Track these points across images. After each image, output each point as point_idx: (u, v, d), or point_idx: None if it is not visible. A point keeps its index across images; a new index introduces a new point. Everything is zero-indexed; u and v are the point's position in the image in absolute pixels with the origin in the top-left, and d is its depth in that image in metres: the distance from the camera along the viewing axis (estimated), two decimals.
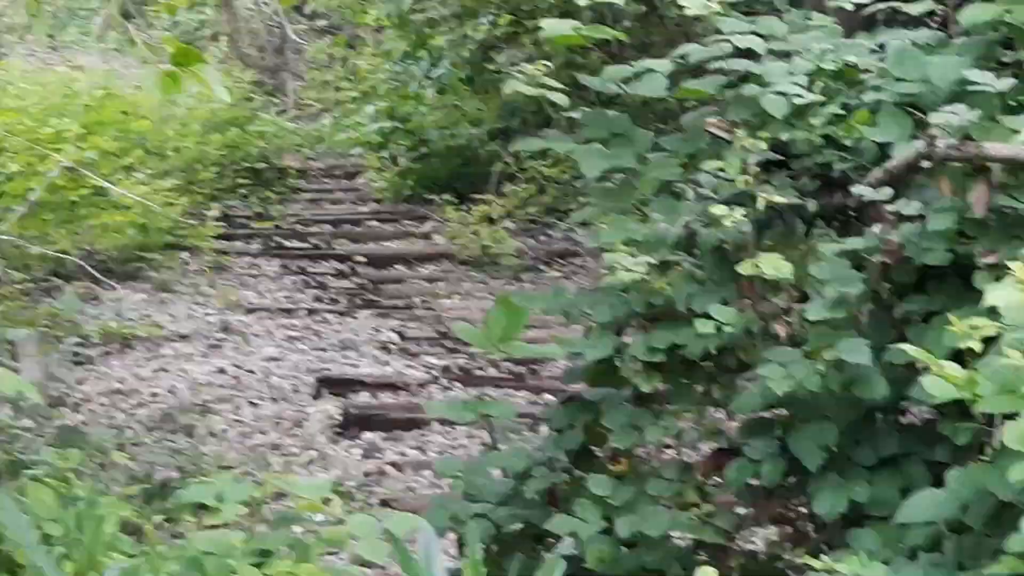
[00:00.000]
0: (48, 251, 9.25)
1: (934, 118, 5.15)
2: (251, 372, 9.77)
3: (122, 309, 10.15)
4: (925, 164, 5.16)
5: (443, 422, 8.75)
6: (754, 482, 5.63)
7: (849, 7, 6.20)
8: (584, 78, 6.19)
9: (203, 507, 5.35)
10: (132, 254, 10.89)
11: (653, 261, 5.41)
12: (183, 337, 9.85)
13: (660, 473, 5.61)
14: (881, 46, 6.04)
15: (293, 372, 9.91)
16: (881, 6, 6.15)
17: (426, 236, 12.51)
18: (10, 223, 9.36)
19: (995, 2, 5.41)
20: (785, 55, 5.96)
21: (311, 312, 10.90)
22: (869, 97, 5.55)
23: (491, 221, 11.84)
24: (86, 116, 11.88)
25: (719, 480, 5.70)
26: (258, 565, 4.88)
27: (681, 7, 5.47)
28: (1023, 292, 4.22)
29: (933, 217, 5.10)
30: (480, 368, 10.03)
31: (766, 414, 5.60)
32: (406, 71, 13.70)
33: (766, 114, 5.53)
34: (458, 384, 9.56)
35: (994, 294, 3.91)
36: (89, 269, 9.33)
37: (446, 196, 12.42)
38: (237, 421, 8.70)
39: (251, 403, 9.15)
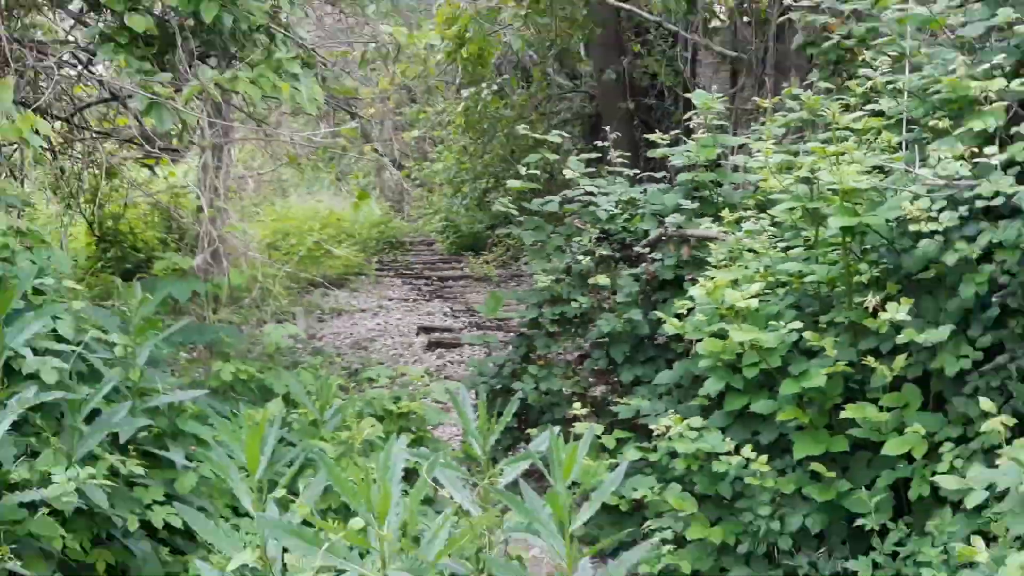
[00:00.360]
0: (308, 275, 13.99)
1: (668, 220, 8.78)
2: (390, 325, 14.77)
3: (337, 300, 15.76)
4: (663, 238, 8.88)
5: (470, 345, 13.27)
6: (596, 368, 9.53)
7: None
8: (525, 205, 9.90)
9: (371, 380, 9.07)
10: (341, 278, 16.96)
11: (553, 278, 9.36)
12: (362, 311, 15.35)
13: (557, 364, 9.66)
14: (645, 190, 9.87)
15: (408, 325, 14.69)
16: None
17: (460, 268, 18.90)
18: (292, 263, 15.55)
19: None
20: (605, 193, 9.75)
21: (415, 300, 16.54)
22: (640, 210, 9.41)
23: (487, 262, 18.26)
24: (321, 221, 19.18)
25: (581, 367, 9.70)
26: (395, 401, 8.05)
27: (564, 174, 9.60)
28: (705, 291, 6.90)
29: (666, 260, 8.77)
30: (486, 323, 14.24)
31: (600, 340, 9.18)
32: (449, 203, 20.97)
33: (597, 217, 9.45)
34: (475, 329, 14.60)
35: (693, 291, 7.12)
36: (323, 283, 14.19)
37: (468, 253, 19.44)
38: (385, 345, 13.35)
39: (391, 337, 13.93)
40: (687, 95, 9.99)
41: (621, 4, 15.86)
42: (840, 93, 8.30)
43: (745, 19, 16.48)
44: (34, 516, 4.66)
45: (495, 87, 18.23)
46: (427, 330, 14.38)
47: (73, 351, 5.30)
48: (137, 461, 5.35)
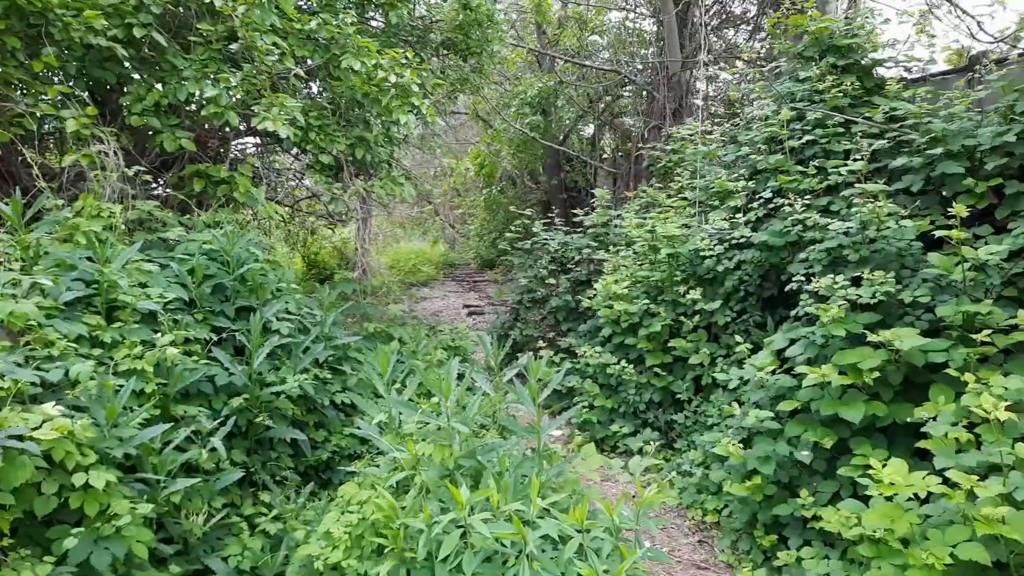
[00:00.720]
0: (410, 280, 14.44)
1: (583, 251, 8.45)
2: (449, 304, 13.72)
3: (421, 293, 14.73)
4: (581, 260, 8.48)
5: (488, 312, 12.37)
6: (549, 324, 8.82)
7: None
8: (515, 246, 9.72)
9: (440, 330, 8.72)
10: (426, 282, 15.96)
11: (527, 280, 9.06)
12: (436, 298, 14.35)
13: (530, 322, 9.06)
14: (571, 237, 9.13)
15: (457, 304, 13.63)
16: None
17: (484, 276, 17.42)
18: (402, 274, 15.51)
19: None
20: (552, 239, 9.03)
21: (460, 292, 15.38)
22: (570, 246, 8.83)
23: (497, 274, 17.15)
24: (416, 254, 17.93)
25: (542, 323, 9.02)
26: (452, 341, 7.94)
27: (533, 230, 9.70)
28: (602, 285, 6.61)
29: (582, 271, 8.40)
30: (497, 303, 13.29)
31: (552, 310, 8.68)
32: (477, 244, 19.63)
33: (549, 250, 8.89)
34: (490, 305, 13.28)
35: (596, 286, 7.11)
36: (417, 284, 14.54)
37: (487, 269, 18.09)
38: (447, 314, 12.40)
39: (450, 310, 13.01)
40: (593, 191, 9.83)
41: (560, 148, 15.93)
42: (666, 189, 8.16)
43: (620, 154, 16.59)
44: (278, 398, 4.63)
45: (498, 188, 18.19)
46: (467, 306, 13.99)
47: (297, 318, 5.27)
48: (328, 372, 5.30)
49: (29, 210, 4.12)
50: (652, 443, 5.80)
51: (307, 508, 3.97)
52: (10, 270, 3.51)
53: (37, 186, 4.65)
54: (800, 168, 5.12)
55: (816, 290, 4.18)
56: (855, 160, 4.72)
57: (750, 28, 17.51)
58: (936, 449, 3.12)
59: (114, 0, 5.36)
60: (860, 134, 5.02)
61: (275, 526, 3.82)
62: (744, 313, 5.55)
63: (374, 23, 8.67)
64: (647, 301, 6.18)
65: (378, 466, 3.91)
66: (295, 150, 7.36)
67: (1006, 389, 3.12)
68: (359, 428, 3.83)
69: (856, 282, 4.14)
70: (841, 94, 5.46)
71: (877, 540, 2.96)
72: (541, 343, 7.88)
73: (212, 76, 5.56)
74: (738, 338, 5.08)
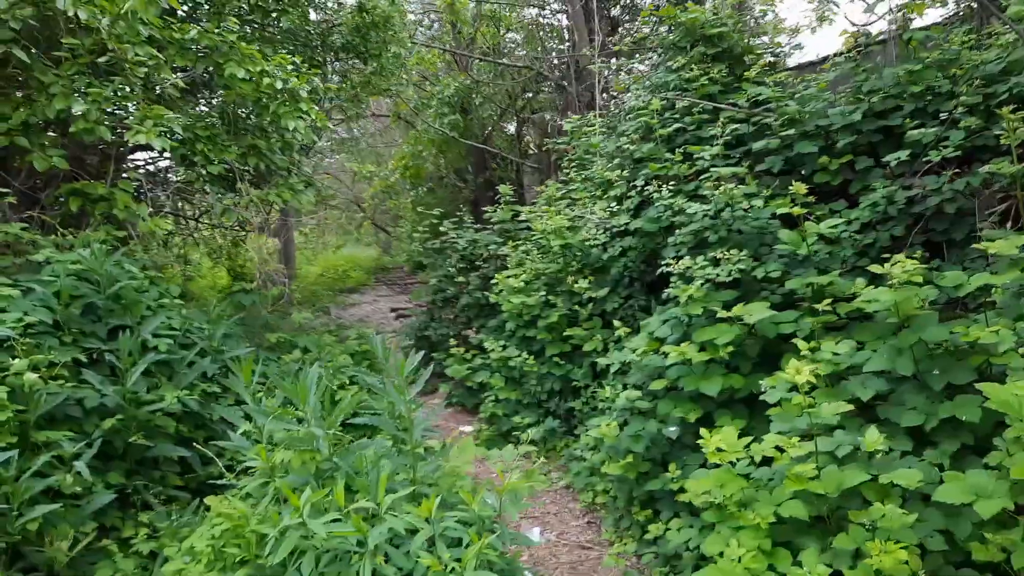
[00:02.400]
0: (337, 287, 13.93)
1: (491, 247, 8.45)
2: (379, 308, 13.43)
3: (351, 299, 14.32)
4: (489, 256, 8.44)
5: (416, 315, 11.54)
6: (461, 321, 8.70)
7: None
8: (426, 246, 9.98)
9: (356, 336, 8.30)
10: (357, 287, 15.49)
11: (437, 279, 8.95)
12: (363, 303, 13.80)
13: (444, 321, 8.95)
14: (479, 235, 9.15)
15: (384, 308, 13.58)
16: None
17: (415, 279, 16.14)
18: (329, 281, 15.35)
19: None
20: (463, 237, 8.93)
21: (392, 296, 15.09)
22: (480, 244, 8.76)
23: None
24: (347, 260, 17.57)
25: (454, 321, 8.85)
26: (359, 345, 8.24)
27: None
28: (502, 279, 9.30)
29: (490, 267, 8.32)
30: (425, 304, 14.49)
31: (463, 308, 8.57)
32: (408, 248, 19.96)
33: (457, 248, 8.69)
34: (418, 307, 11.66)
35: (498, 280, 8.06)
36: (344, 290, 13.85)
37: (420, 271, 18.58)
38: (375, 317, 12.33)
39: (378, 313, 12.78)
40: (520, 188, 9.83)
41: (482, 146, 16.05)
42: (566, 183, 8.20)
43: (541, 149, 16.83)
44: (157, 415, 4.57)
45: (426, 189, 18.15)
46: (394, 309, 13.91)
47: (178, 333, 5.22)
48: (217, 387, 5.26)
49: None
50: (556, 431, 5.89)
51: (184, 525, 3.91)
52: None
53: None
54: (669, 155, 5.31)
55: (680, 271, 4.34)
56: (714, 145, 4.91)
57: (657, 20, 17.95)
58: (775, 415, 3.30)
59: None
60: (726, 120, 5.23)
61: (150, 545, 3.76)
62: (631, 298, 5.72)
63: (271, 29, 8.53)
64: (544, 293, 6.26)
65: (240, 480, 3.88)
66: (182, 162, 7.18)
67: (835, 354, 3.31)
68: (230, 441, 3.78)
69: (716, 262, 4.33)
70: (709, 81, 5.68)
71: (721, 506, 3.12)
72: (453, 341, 7.90)
73: (81, 91, 5.39)
74: (616, 322, 5.22)
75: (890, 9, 5.12)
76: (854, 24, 5.48)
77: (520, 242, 7.57)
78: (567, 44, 17.52)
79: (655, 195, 5.01)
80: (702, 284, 4.10)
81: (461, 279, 8.62)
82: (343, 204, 23.23)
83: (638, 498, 4.17)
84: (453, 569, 2.64)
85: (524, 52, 18.19)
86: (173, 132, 5.75)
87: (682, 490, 3.93)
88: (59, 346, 4.24)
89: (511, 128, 19.57)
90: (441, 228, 9.50)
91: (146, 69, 5.79)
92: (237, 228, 8.57)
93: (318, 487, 3.15)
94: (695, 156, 5.07)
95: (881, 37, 5.42)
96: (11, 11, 5.27)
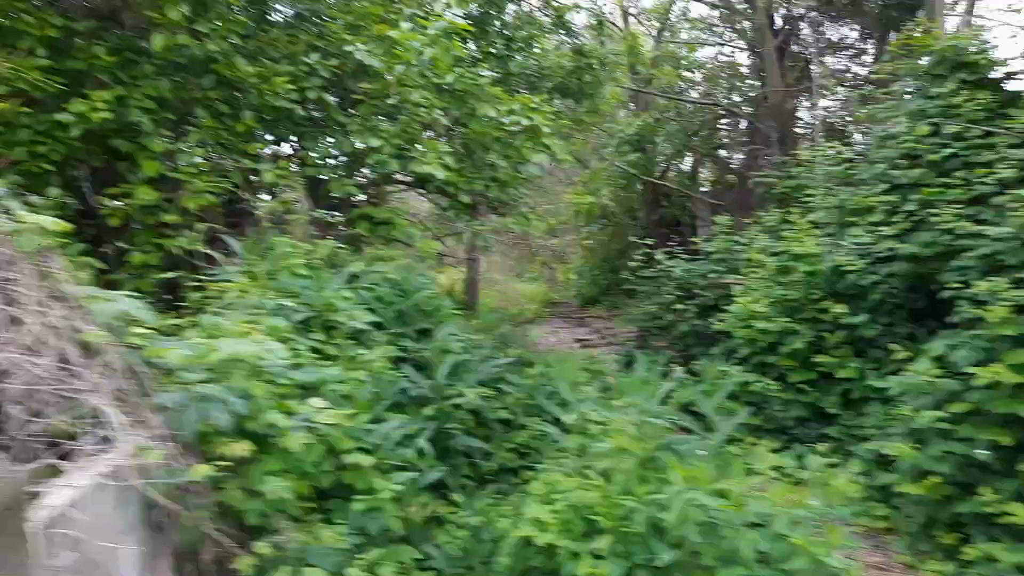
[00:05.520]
0: (516, 319, 15.67)
1: (709, 276, 9.57)
2: (561, 339, 12.72)
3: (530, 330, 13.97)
4: (709, 284, 11.11)
5: (601, 345, 13.39)
6: (677, 348, 8.72)
7: None
8: (638, 275, 9.55)
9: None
10: (533, 317, 15.41)
11: (659, 305, 10.37)
12: (544, 335, 13.53)
13: (660, 350, 9.63)
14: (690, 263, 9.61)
15: (567, 338, 13.23)
16: None
17: (586, 313, 16.97)
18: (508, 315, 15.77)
19: None
20: (674, 267, 9.21)
21: (570, 328, 15.13)
22: (694, 272, 9.04)
23: (604, 310, 19.06)
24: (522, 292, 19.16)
25: (669, 349, 9.11)
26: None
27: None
28: (736, 306, 9.41)
29: (710, 295, 8.59)
30: (609, 335, 13.03)
31: (680, 336, 8.78)
32: (577, 282, 19.78)
33: (672, 276, 9.08)
34: (601, 339, 13.12)
35: (731, 307, 9.93)
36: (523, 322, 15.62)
37: (588, 305, 17.97)
38: (562, 348, 10.30)
39: (563, 343, 11.79)
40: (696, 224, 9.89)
41: (659, 182, 16.40)
42: (786, 213, 8.20)
43: (718, 186, 16.96)
44: (457, 410, 5.10)
45: (599, 227, 18.68)
46: (578, 340, 14.02)
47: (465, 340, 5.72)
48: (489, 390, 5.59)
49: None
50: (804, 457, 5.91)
51: (502, 505, 4.41)
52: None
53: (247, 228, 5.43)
54: (943, 180, 5.33)
55: (976, 295, 4.36)
56: (1003, 169, 4.90)
57: (850, 53, 17.57)
58: None
59: (291, 68, 6.17)
60: (1005, 144, 5.20)
61: (476, 519, 4.27)
62: (892, 325, 5.69)
63: (488, 73, 9.43)
64: (788, 319, 6.36)
65: (562, 465, 4.30)
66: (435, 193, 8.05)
67: None
68: (544, 431, 4.25)
69: (1019, 284, 4.31)
70: (977, 108, 5.66)
71: None
72: (676, 366, 8.13)
73: (373, 129, 6.28)
74: (894, 346, 5.23)
75: None
76: None
77: (749, 270, 7.71)
78: (747, 82, 17.61)
79: (931, 219, 5.03)
80: (1010, 307, 4.09)
81: (680, 307, 8.81)
82: (509, 240, 24.36)
83: (941, 520, 4.15)
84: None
85: (700, 90, 18.47)
86: (447, 164, 6.51)
87: (1004, 513, 3.88)
88: (384, 343, 4.94)
89: (683, 166, 19.82)
90: (630, 262, 9.72)
91: (425, 109, 6.61)
92: (443, 258, 9.38)
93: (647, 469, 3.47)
94: (974, 180, 5.05)
95: None
96: (321, 63, 6.20)
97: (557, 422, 4.47)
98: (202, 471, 2.17)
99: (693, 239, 12.00)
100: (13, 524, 1.61)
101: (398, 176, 7.27)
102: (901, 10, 10.83)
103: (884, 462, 4.70)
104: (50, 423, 1.94)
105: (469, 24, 7.19)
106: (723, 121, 17.48)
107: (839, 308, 5.89)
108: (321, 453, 3.09)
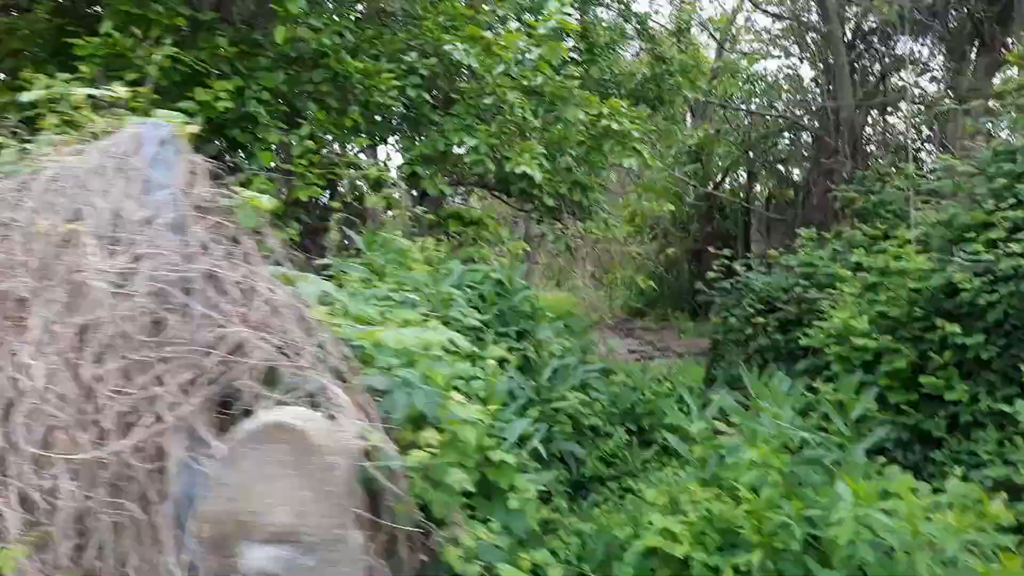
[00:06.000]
0: None
1: (790, 291, 11.05)
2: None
3: None
4: (791, 299, 11.48)
5: (656, 356, 14.54)
6: (757, 361, 7.98)
7: None
8: (716, 285, 9.10)
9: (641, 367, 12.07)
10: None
11: (733, 319, 9.26)
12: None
13: (736, 364, 9.95)
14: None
15: (620, 349, 11.40)
16: None
17: (634, 324, 17.13)
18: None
19: None
20: (753, 279, 8.74)
21: (619, 338, 14.77)
22: (775, 287, 8.62)
23: (652, 322, 18.65)
24: (560, 303, 19.25)
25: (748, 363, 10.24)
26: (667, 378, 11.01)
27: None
28: (830, 320, 9.23)
29: (792, 310, 8.34)
30: (663, 347, 13.40)
31: (758, 349, 8.43)
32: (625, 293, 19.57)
33: (751, 288, 8.95)
34: (656, 350, 13.32)
35: (820, 324, 9.83)
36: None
37: (634, 317, 18.45)
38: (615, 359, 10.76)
39: (614, 354, 10.98)
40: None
41: (716, 194, 16.26)
42: (870, 229, 8.10)
43: (776, 200, 16.72)
44: (557, 413, 5.11)
45: (649, 238, 18.52)
46: (632, 351, 14.03)
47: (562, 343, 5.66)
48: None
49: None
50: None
51: (616, 511, 4.33)
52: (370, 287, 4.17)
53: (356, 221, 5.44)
54: None
55: None
56: None
57: (919, 69, 17.24)
58: None
59: (391, 66, 6.19)
60: None
61: (587, 526, 4.19)
62: (1009, 347, 5.47)
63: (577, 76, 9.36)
64: (890, 336, 6.14)
65: (679, 475, 4.21)
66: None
67: None
68: (666, 439, 4.16)
69: None
70: None
71: None
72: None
73: (469, 128, 6.26)
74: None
75: None
76: None
77: (843, 285, 7.53)
78: (809, 96, 17.34)
79: None
80: None
81: (761, 320, 8.47)
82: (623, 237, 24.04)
83: None
84: None
85: (759, 102, 18.22)
86: (542, 164, 6.47)
87: None
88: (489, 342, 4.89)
89: (740, 179, 19.59)
90: (710, 273, 9.51)
91: (520, 110, 6.58)
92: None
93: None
94: None
95: None
96: (420, 62, 6.20)
97: (674, 430, 4.34)
98: (418, 456, 2.12)
99: (747, 253, 11.74)
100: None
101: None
102: (987, 24, 10.52)
103: (1009, 489, 4.46)
104: (277, 400, 1.90)
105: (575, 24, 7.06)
106: (782, 134, 17.22)
107: (952, 327, 5.63)
108: (474, 448, 3.03)
